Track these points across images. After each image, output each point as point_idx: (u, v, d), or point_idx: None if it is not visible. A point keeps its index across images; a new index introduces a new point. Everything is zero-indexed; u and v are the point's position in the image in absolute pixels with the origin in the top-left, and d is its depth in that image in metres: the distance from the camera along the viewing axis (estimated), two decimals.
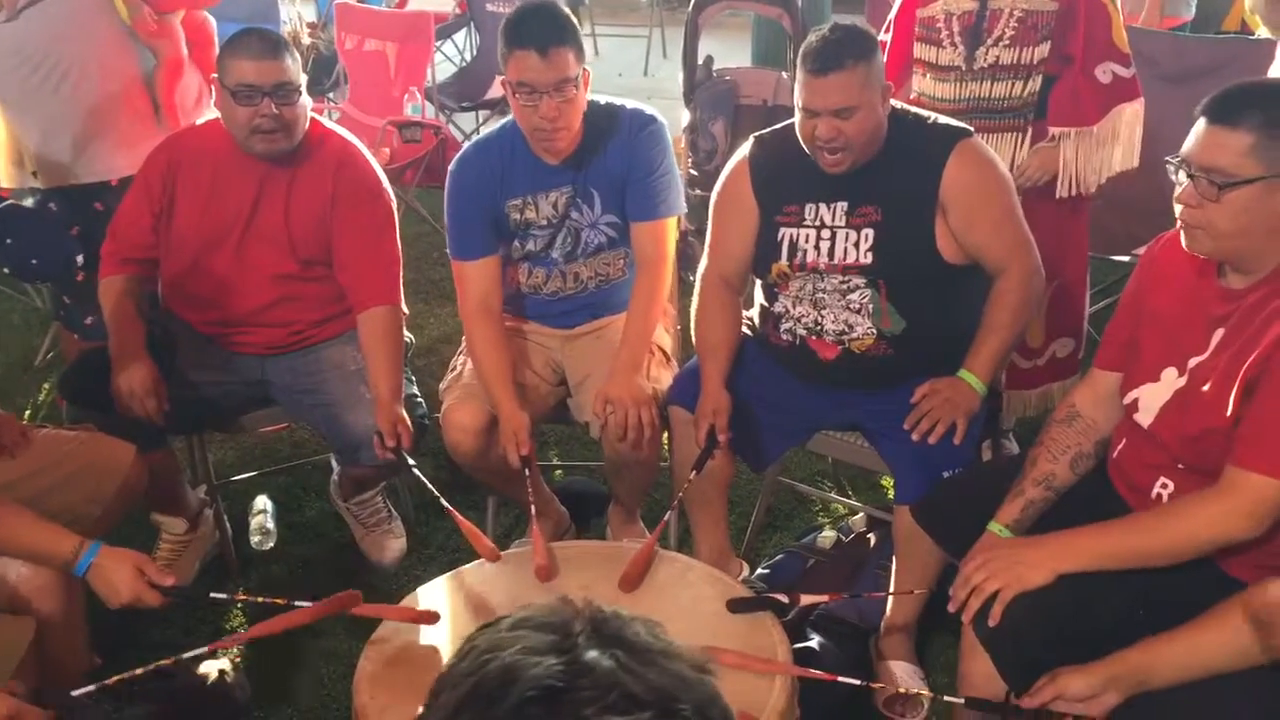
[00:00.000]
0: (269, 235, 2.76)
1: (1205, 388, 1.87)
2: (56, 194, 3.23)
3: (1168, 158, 1.87)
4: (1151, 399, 1.97)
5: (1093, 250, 3.24)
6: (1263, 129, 1.75)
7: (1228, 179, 1.77)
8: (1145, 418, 1.98)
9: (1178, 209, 1.86)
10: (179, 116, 3.24)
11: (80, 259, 3.25)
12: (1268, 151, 1.75)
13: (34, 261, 3.40)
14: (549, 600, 0.91)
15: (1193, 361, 1.92)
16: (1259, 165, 1.75)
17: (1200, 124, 1.82)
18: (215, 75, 2.67)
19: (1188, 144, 1.83)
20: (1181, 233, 1.89)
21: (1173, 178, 1.86)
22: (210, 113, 3.36)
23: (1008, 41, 2.85)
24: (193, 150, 2.79)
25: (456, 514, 2.37)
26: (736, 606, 2.07)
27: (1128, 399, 2.03)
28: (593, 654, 0.82)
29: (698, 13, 4.63)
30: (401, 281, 2.82)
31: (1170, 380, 1.95)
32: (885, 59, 2.74)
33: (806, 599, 2.28)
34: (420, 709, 0.89)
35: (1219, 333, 1.89)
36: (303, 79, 2.69)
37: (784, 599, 2.15)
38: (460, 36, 7.11)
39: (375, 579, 2.99)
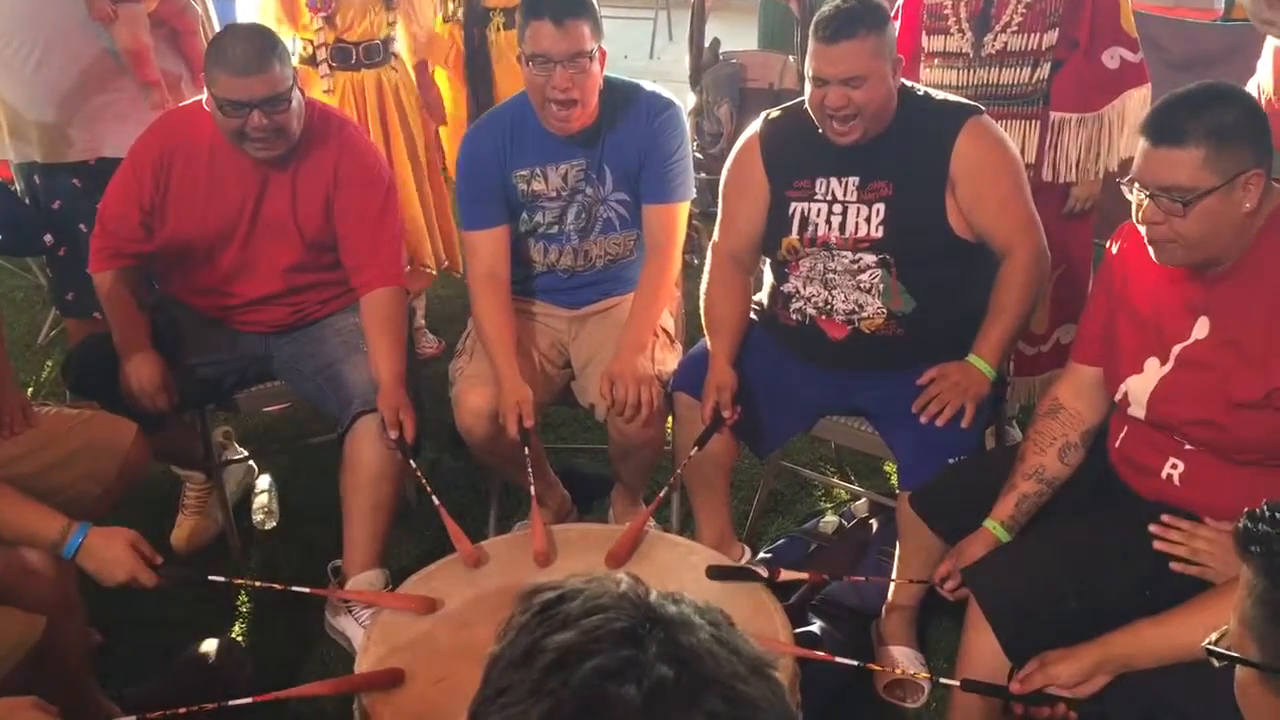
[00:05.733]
0: (277, 227, 2.70)
1: (1204, 372, 1.89)
2: (38, 168, 3.21)
3: (1119, 180, 1.92)
4: (1139, 391, 2.00)
5: (1097, 237, 3.22)
6: (1210, 139, 1.79)
7: (1188, 194, 1.81)
8: (1138, 410, 2.01)
9: (1143, 228, 1.90)
10: (164, 90, 3.17)
11: (49, 237, 3.24)
12: (1220, 159, 1.79)
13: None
14: (614, 581, 0.91)
15: (1177, 348, 1.94)
16: (1215, 174, 1.80)
17: (1146, 145, 1.85)
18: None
19: (1139, 166, 1.87)
20: (1150, 249, 1.92)
21: (1128, 197, 1.89)
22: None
23: (1016, 27, 2.83)
24: (186, 141, 2.64)
25: (445, 512, 2.35)
26: (715, 573, 2.10)
27: (1118, 395, 2.05)
28: (665, 671, 0.82)
29: None
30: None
31: (1154, 370, 1.98)
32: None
33: (786, 575, 2.28)
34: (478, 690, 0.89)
35: (1202, 319, 1.92)
36: (292, 76, 2.55)
37: (763, 572, 2.17)
38: None
39: None
